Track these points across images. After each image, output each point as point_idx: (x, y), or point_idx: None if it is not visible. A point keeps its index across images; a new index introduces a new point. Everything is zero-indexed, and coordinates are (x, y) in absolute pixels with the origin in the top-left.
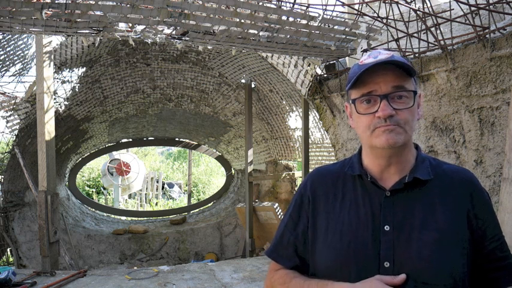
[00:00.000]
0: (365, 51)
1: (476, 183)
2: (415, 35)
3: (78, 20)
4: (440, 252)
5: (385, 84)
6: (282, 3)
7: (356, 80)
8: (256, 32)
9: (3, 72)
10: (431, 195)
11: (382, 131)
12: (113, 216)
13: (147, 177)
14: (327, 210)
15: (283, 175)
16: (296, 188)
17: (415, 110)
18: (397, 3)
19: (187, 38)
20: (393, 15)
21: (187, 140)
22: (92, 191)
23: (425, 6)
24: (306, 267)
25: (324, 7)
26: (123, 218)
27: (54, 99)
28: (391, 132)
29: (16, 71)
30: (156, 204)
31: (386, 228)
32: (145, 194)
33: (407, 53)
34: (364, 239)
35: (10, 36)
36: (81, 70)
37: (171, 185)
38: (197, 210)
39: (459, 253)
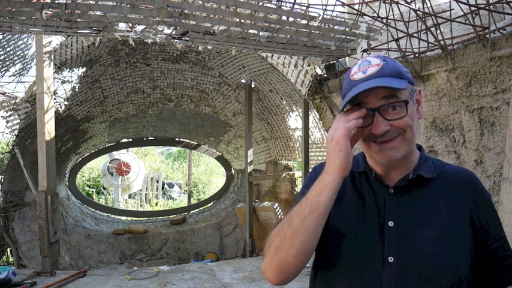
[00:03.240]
0: (365, 51)
1: (478, 183)
2: (415, 35)
3: (78, 20)
4: (444, 249)
5: (375, 97)
6: (282, 3)
7: (347, 100)
8: (256, 32)
9: (3, 72)
10: (435, 193)
11: (379, 149)
12: (113, 216)
13: (147, 177)
14: (336, 200)
15: (283, 175)
16: (296, 188)
17: (413, 114)
18: (397, 3)
19: (187, 38)
20: (393, 15)
21: (187, 140)
22: (92, 191)
23: (425, 6)
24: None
25: (324, 7)
26: (123, 218)
27: (54, 99)
28: (391, 149)
29: (16, 71)
30: (156, 204)
31: (391, 224)
32: (145, 194)
33: (407, 53)
34: (369, 233)
35: (10, 36)
36: (81, 70)
37: (171, 185)
38: (197, 210)
39: (463, 251)
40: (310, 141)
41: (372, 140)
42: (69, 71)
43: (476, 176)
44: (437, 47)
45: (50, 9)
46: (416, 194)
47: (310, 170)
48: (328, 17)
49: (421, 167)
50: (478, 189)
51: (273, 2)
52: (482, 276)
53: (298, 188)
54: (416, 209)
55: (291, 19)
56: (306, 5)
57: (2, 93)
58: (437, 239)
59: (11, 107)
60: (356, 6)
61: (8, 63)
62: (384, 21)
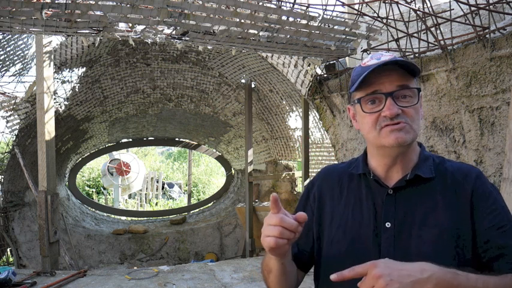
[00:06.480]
0: (365, 51)
1: (479, 177)
2: (415, 35)
3: (78, 20)
4: (440, 250)
5: (389, 84)
6: (282, 3)
7: (361, 81)
8: (256, 32)
9: (3, 72)
10: (433, 192)
11: (390, 130)
12: (113, 216)
13: (147, 177)
14: (332, 207)
15: (283, 175)
16: (296, 188)
17: (419, 108)
18: (397, 3)
19: (187, 38)
20: (393, 15)
21: (187, 140)
22: (92, 191)
23: (425, 6)
24: (305, 260)
25: (324, 7)
26: (123, 218)
27: (54, 99)
28: (400, 131)
29: (16, 71)
30: (156, 204)
31: (388, 225)
32: (145, 194)
33: (407, 53)
34: (365, 236)
35: (10, 36)
36: (81, 70)
37: (171, 185)
38: (197, 210)
39: (461, 250)
40: (310, 141)
41: (382, 126)
42: (69, 71)
43: (479, 171)
44: (437, 47)
45: (50, 9)
46: (415, 194)
47: (305, 184)
48: (328, 17)
49: (420, 166)
50: (478, 182)
51: (273, 2)
52: (480, 268)
53: (298, 188)
54: (414, 209)
55: (291, 19)
56: (306, 5)
57: (2, 93)
58: (433, 238)
59: (11, 107)
60: (356, 6)
61: (8, 63)
62: (384, 21)
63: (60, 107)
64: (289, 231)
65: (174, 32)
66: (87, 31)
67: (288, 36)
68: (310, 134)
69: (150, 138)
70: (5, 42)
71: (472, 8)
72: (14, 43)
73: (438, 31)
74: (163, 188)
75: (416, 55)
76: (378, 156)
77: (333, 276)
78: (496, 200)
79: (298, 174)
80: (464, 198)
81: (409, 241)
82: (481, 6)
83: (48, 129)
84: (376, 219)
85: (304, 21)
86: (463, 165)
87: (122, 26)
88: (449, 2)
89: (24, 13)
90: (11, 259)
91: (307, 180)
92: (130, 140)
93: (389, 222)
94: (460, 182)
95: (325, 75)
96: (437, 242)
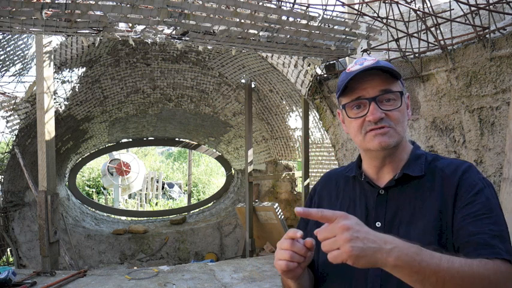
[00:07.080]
0: (365, 51)
1: (467, 170)
2: (415, 35)
3: (78, 20)
4: (426, 245)
5: (372, 89)
6: (282, 3)
7: (344, 87)
8: (256, 32)
9: (3, 72)
10: (422, 190)
11: (374, 135)
12: (113, 216)
13: (147, 177)
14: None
15: (283, 175)
16: (296, 188)
17: (404, 110)
18: (397, 3)
19: (187, 38)
20: (393, 15)
21: (187, 140)
22: (92, 191)
23: (425, 6)
24: (314, 267)
25: (324, 7)
26: (123, 218)
27: (54, 99)
28: (383, 135)
29: (16, 71)
30: (156, 204)
31: (378, 224)
32: (145, 194)
33: (407, 53)
34: None
35: (10, 36)
36: (81, 70)
37: (171, 185)
38: (197, 210)
39: (446, 245)
40: (310, 141)
41: (367, 131)
42: (69, 71)
43: (471, 165)
44: (437, 47)
45: (50, 9)
46: (404, 193)
47: (310, 188)
48: (328, 17)
49: (410, 165)
50: (465, 174)
51: (273, 2)
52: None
53: (298, 188)
54: (403, 208)
55: (291, 19)
56: (306, 5)
57: (2, 93)
58: (420, 235)
59: (11, 107)
60: (356, 6)
61: (8, 63)
62: (384, 21)
63: (60, 107)
64: (299, 255)
65: (174, 32)
66: (87, 31)
67: (288, 36)
68: (310, 134)
69: (150, 138)
70: (5, 42)
71: (472, 8)
72: (14, 43)
73: (438, 31)
74: (163, 188)
75: (416, 55)
76: (367, 159)
77: (298, 209)
78: (480, 191)
79: (298, 174)
80: (450, 192)
81: None
82: (481, 6)
83: (48, 129)
84: (367, 219)
85: (304, 21)
86: (455, 160)
87: (122, 26)
88: (449, 2)
89: (24, 13)
90: (11, 259)
91: (307, 181)
92: (130, 140)
93: (379, 222)
94: (448, 176)
95: (325, 75)
96: (424, 239)
